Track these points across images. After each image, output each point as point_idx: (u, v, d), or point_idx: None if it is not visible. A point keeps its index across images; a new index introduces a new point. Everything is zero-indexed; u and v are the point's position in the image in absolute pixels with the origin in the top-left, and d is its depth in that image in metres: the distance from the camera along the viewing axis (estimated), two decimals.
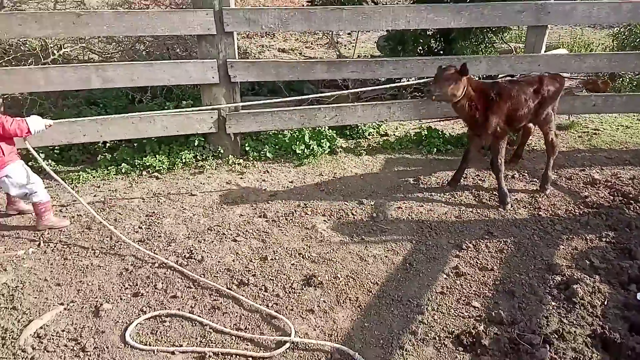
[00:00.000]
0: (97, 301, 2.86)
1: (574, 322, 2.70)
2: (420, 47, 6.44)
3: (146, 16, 4.12)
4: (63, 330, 2.64)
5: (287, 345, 2.54)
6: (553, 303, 2.86)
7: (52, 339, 2.58)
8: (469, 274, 3.13)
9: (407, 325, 2.71)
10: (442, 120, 5.57)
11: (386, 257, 3.31)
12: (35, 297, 2.89)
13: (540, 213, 3.82)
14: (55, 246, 3.38)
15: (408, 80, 5.29)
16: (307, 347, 2.55)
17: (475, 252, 3.35)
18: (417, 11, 4.28)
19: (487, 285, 3.03)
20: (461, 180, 4.22)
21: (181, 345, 2.54)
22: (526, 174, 4.42)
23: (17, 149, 3.48)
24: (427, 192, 4.14)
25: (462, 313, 2.80)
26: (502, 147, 3.84)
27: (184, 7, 6.72)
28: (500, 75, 4.72)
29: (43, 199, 3.49)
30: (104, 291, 2.95)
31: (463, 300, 2.91)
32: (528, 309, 2.82)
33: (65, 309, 2.80)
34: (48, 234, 3.50)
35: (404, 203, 3.97)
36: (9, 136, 3.26)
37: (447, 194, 4.11)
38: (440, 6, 4.31)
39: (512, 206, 3.87)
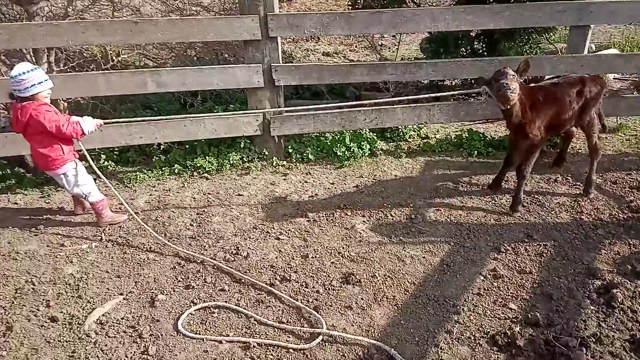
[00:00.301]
0: (152, 292, 3.09)
1: (613, 326, 2.72)
2: (463, 49, 6.44)
3: (197, 23, 4.35)
4: (122, 318, 2.88)
5: (320, 338, 2.69)
6: (592, 307, 2.87)
7: (113, 325, 2.83)
8: (506, 277, 3.18)
9: (442, 324, 2.80)
10: (484, 122, 5.56)
11: (424, 257, 3.40)
12: (98, 287, 3.16)
13: (582, 217, 3.80)
14: (115, 241, 3.66)
15: (449, 81, 5.33)
16: (345, 341, 2.68)
17: (514, 255, 3.39)
18: (455, 13, 4.32)
19: (524, 288, 3.07)
20: (502, 184, 4.23)
21: (228, 335, 2.74)
22: (570, 178, 4.38)
23: (80, 149, 3.79)
24: (467, 195, 4.18)
25: (499, 314, 2.87)
26: (535, 154, 3.81)
27: (230, 13, 6.97)
28: (546, 77, 4.68)
29: (98, 198, 3.78)
30: (158, 283, 3.19)
31: (500, 302, 2.96)
32: (566, 312, 2.85)
33: (124, 298, 3.05)
34: (109, 230, 3.79)
35: (443, 205, 4.03)
36: (66, 137, 3.54)
37: (488, 197, 4.14)
38: (479, 7, 4.34)
39: (521, 213, 3.86)
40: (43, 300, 3.03)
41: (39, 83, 3.40)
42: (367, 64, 4.63)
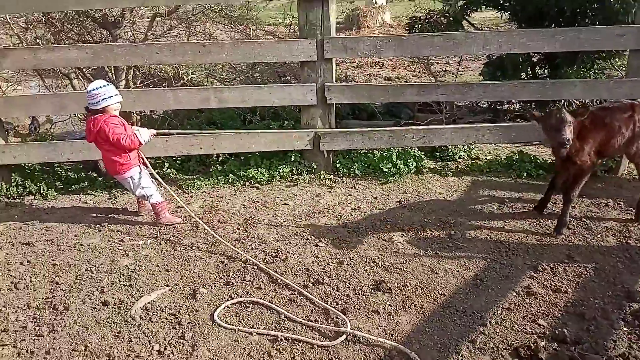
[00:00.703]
0: (195, 286, 3.34)
1: None
2: (524, 73, 6.38)
3: (259, 45, 4.70)
4: (166, 307, 3.14)
5: (344, 336, 2.80)
6: (625, 329, 2.78)
7: (156, 312, 3.09)
8: (540, 294, 3.13)
9: (467, 335, 2.82)
10: (536, 145, 5.47)
11: (457, 271, 3.42)
12: (148, 279, 3.45)
13: (629, 242, 3.66)
14: (168, 239, 3.98)
15: (498, 104, 5.29)
16: (368, 342, 2.77)
17: (551, 275, 3.33)
18: (509, 36, 4.37)
19: (557, 306, 3.02)
20: (548, 206, 4.15)
21: (258, 328, 2.91)
22: (622, 203, 4.22)
23: (149, 158, 4.19)
24: (511, 215, 4.14)
25: (526, 329, 2.84)
26: (584, 179, 3.75)
27: (284, 37, 7.36)
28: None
29: (159, 200, 4.13)
30: (202, 278, 3.44)
31: (529, 318, 2.93)
32: (596, 332, 2.77)
33: (169, 289, 3.32)
34: (164, 229, 4.13)
35: (485, 223, 4.02)
36: (125, 148, 3.89)
37: (532, 218, 4.08)
38: (533, 31, 4.36)
39: (564, 236, 3.78)
40: (98, 286, 3.37)
41: (109, 97, 3.81)
42: (417, 85, 4.76)
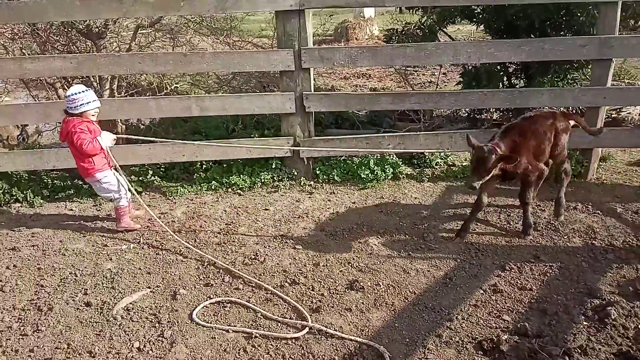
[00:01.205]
0: (176, 287, 3.45)
1: (602, 340, 2.78)
2: (500, 83, 6.60)
3: (238, 55, 4.86)
4: (146, 307, 3.25)
5: (307, 329, 2.97)
6: (585, 323, 2.94)
7: (137, 312, 3.20)
8: (506, 292, 3.29)
9: (434, 329, 2.96)
10: None
11: (428, 271, 3.57)
12: (130, 281, 3.56)
13: (594, 242, 3.83)
14: (151, 244, 4.08)
15: (476, 113, 5.49)
16: (339, 337, 2.90)
17: (517, 273, 3.49)
18: (477, 46, 4.56)
19: (522, 303, 3.17)
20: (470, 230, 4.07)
21: (235, 326, 3.03)
22: (590, 206, 4.41)
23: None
24: (483, 218, 4.30)
25: (490, 324, 2.99)
26: (535, 183, 3.91)
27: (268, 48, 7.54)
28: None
29: (122, 205, 4.23)
30: (182, 280, 3.55)
31: (494, 314, 3.08)
32: (557, 326, 2.93)
33: (150, 291, 3.43)
34: (147, 234, 4.23)
35: (457, 226, 4.17)
36: (89, 154, 3.97)
37: (502, 221, 4.26)
38: (500, 42, 4.57)
39: (532, 237, 3.94)
40: (82, 288, 3.46)
41: (87, 102, 3.92)
42: (391, 93, 4.96)
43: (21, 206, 4.84)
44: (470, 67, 6.45)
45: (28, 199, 4.86)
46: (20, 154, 4.92)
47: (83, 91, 3.92)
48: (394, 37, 6.16)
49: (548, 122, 3.93)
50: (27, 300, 3.35)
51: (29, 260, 3.87)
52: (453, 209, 4.50)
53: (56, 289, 3.46)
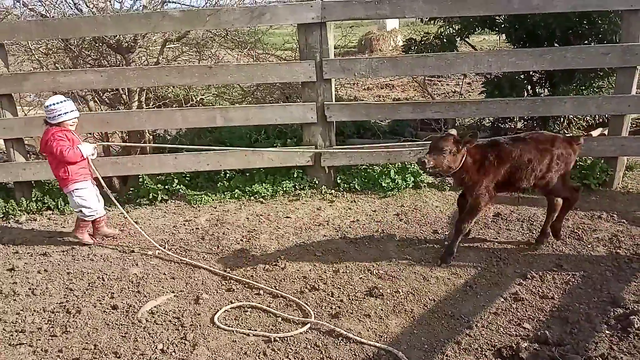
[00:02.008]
0: (199, 292, 3.53)
1: (624, 349, 2.73)
2: (522, 92, 6.55)
3: (261, 67, 4.99)
4: (170, 311, 3.34)
5: (308, 325, 3.09)
6: (607, 332, 2.89)
7: (161, 315, 3.29)
8: (527, 300, 3.26)
9: (453, 336, 2.96)
10: None
11: (448, 279, 3.57)
12: (155, 286, 3.66)
13: (619, 251, 3.77)
14: (175, 250, 4.19)
15: (500, 123, 5.46)
16: (358, 342, 2.92)
17: (539, 282, 3.46)
18: (497, 56, 4.57)
19: (543, 311, 3.14)
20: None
21: (255, 330, 3.09)
22: (615, 215, 4.34)
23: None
24: (505, 227, 4.28)
25: (510, 332, 2.97)
26: (478, 214, 3.65)
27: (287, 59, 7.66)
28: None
29: (88, 219, 4.26)
30: (205, 286, 3.63)
31: (514, 322, 3.06)
32: (579, 335, 2.89)
33: (174, 295, 3.52)
34: (172, 241, 4.34)
35: (478, 235, 4.16)
36: (69, 161, 4.04)
37: (524, 229, 4.22)
38: (521, 50, 4.58)
39: (447, 265, 3.67)
40: (109, 292, 3.58)
41: (65, 113, 4.02)
42: (412, 102, 4.98)
43: (52, 213, 5.03)
44: (492, 77, 6.44)
45: (59, 206, 5.04)
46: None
47: (62, 101, 4.03)
48: (412, 48, 6.20)
49: (540, 147, 3.52)
50: (57, 303, 3.47)
51: (59, 265, 4.01)
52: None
53: (84, 293, 3.59)
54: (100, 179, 4.30)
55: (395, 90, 11.67)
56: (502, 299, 3.29)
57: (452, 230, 4.10)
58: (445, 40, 5.85)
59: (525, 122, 6.63)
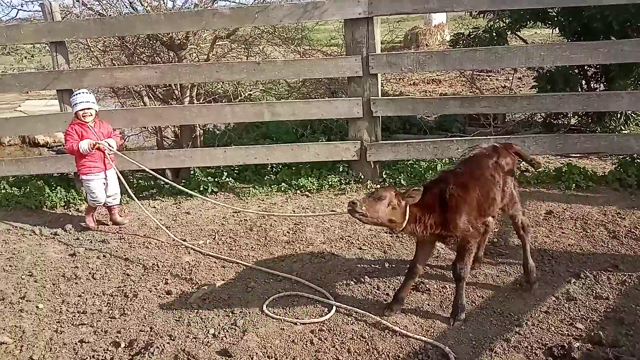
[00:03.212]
0: (248, 280, 3.64)
1: None
2: (576, 87, 6.33)
3: (308, 63, 5.06)
4: (221, 297, 3.45)
5: (333, 310, 3.20)
6: None
7: (212, 301, 3.40)
8: (580, 300, 3.18)
9: (502, 334, 2.92)
10: (586, 157, 5.43)
11: (497, 276, 3.52)
12: (206, 273, 3.79)
13: None
14: (225, 240, 4.32)
15: (552, 118, 5.30)
16: (404, 335, 2.93)
17: (593, 282, 3.36)
18: (550, 49, 4.45)
19: (596, 312, 3.06)
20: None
21: (302, 319, 3.15)
22: None
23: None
24: (557, 225, 4.18)
25: (562, 331, 2.91)
26: (473, 250, 3.07)
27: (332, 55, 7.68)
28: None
29: (92, 206, 4.63)
30: (254, 275, 3.73)
31: (567, 321, 2.99)
32: (635, 336, 2.80)
33: (224, 283, 3.64)
34: (222, 231, 4.47)
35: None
36: (72, 154, 4.47)
37: (578, 228, 4.10)
38: (575, 44, 4.43)
39: (463, 322, 3.03)
40: (163, 278, 3.74)
41: (76, 104, 4.39)
42: (460, 97, 4.92)
43: None
44: (545, 71, 6.26)
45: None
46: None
47: (78, 94, 4.44)
48: (460, 42, 6.11)
49: (492, 161, 3.13)
50: (115, 287, 3.66)
51: (116, 251, 4.21)
52: (526, 215, 4.37)
53: (140, 278, 3.76)
54: (118, 172, 4.57)
55: (442, 85, 11.49)
56: (554, 298, 3.22)
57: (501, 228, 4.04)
58: (495, 34, 5.72)
59: (580, 118, 6.41)
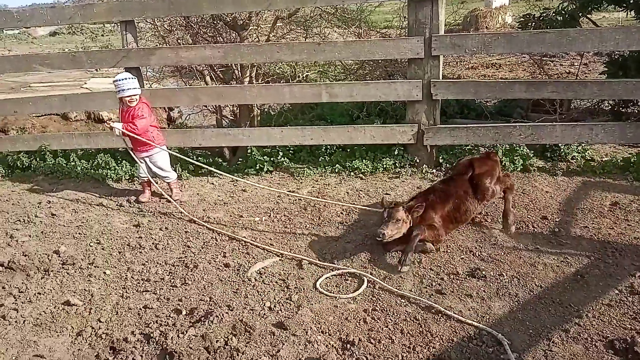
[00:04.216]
0: (302, 258, 3.71)
1: None
2: None
3: (368, 44, 5.01)
4: (276, 273, 3.55)
5: (365, 285, 3.32)
6: None
7: (268, 276, 3.51)
8: None
9: (561, 324, 2.86)
10: None
11: (558, 267, 3.42)
12: (262, 249, 3.90)
13: None
14: (280, 218, 4.41)
15: (622, 107, 5.02)
16: (459, 321, 2.92)
17: None
18: (626, 33, 4.19)
19: None
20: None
21: (355, 299, 3.20)
22: None
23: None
24: (623, 217, 3.99)
25: (625, 325, 2.81)
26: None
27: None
28: None
29: (141, 181, 4.85)
30: (308, 252, 3.81)
31: (630, 315, 2.89)
32: None
33: (280, 259, 3.73)
34: (277, 209, 4.56)
35: (592, 223, 3.92)
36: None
37: None
38: None
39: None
40: (221, 252, 3.88)
41: (121, 90, 4.48)
42: (526, 81, 4.74)
43: None
44: (616, 56, 5.92)
45: (177, 172, 5.48)
46: (172, 133, 5.58)
47: (125, 79, 4.50)
48: (529, 24, 5.86)
49: (466, 176, 3.89)
50: (177, 258, 3.83)
51: (177, 224, 4.40)
52: (589, 205, 4.22)
53: (200, 250, 3.92)
54: (132, 153, 4.72)
55: (502, 69, 11.10)
56: (617, 291, 3.10)
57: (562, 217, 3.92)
58: (567, 16, 5.45)
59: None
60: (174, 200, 4.72)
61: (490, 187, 3.87)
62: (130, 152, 4.73)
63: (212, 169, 4.77)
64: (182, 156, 4.97)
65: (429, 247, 3.66)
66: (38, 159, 5.90)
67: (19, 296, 3.42)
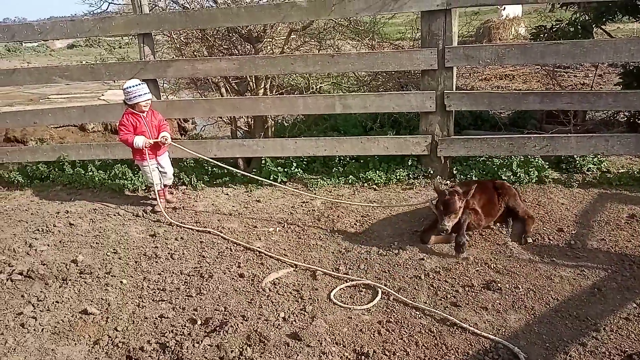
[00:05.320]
0: (316, 269, 3.72)
1: None
2: None
3: (382, 55, 5.04)
4: (290, 283, 3.56)
5: (379, 296, 3.33)
6: None
7: (282, 287, 3.52)
8: None
9: (578, 338, 2.83)
10: None
11: (574, 279, 3.39)
12: (276, 259, 3.92)
13: None
14: (293, 229, 4.43)
15: (638, 118, 4.97)
16: (473, 333, 2.91)
17: None
18: None
19: None
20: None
21: (370, 310, 3.19)
22: None
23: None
24: None
25: None
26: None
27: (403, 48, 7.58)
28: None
29: (158, 189, 4.87)
30: (321, 263, 3.82)
31: None
32: None
33: (294, 270, 3.75)
34: (291, 220, 4.59)
35: (609, 236, 3.89)
36: (122, 141, 4.72)
37: None
38: None
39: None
40: (236, 262, 3.90)
41: (139, 95, 4.54)
42: (540, 92, 4.72)
43: (186, 188, 5.55)
44: (632, 67, 5.89)
45: (192, 182, 5.55)
46: (187, 143, 5.64)
47: (137, 85, 4.57)
48: (542, 35, 5.86)
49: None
50: (192, 268, 3.86)
51: (192, 234, 4.44)
52: (605, 217, 4.18)
53: (215, 260, 3.95)
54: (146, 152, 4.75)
55: (516, 81, 11.08)
56: (635, 305, 3.07)
57: (579, 230, 3.89)
58: (579, 27, 5.44)
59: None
60: (170, 203, 4.98)
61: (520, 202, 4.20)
62: (141, 166, 4.86)
63: (237, 170, 4.96)
64: (203, 156, 5.20)
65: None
66: (57, 169, 6.00)
67: (38, 304, 3.47)
